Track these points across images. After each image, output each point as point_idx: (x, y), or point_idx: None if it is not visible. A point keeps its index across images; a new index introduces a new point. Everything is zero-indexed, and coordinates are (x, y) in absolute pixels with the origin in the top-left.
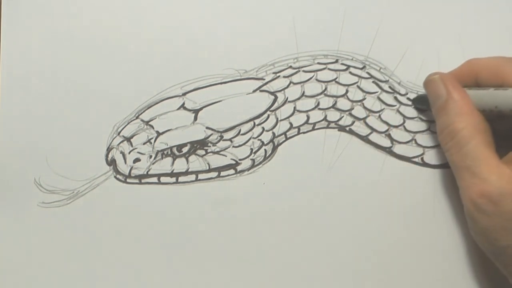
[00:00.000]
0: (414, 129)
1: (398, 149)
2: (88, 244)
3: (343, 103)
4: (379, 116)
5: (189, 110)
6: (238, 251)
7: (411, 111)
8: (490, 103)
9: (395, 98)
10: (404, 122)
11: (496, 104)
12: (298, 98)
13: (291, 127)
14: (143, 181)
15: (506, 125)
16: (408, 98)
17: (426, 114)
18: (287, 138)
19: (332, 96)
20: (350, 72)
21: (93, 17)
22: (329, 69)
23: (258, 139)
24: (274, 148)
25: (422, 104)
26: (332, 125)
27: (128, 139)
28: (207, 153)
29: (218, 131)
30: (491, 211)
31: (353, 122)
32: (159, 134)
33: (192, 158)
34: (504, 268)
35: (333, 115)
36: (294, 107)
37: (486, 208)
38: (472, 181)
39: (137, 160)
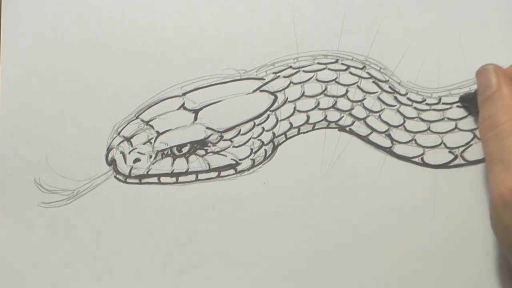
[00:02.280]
0: (414, 129)
1: (398, 149)
2: (88, 244)
3: (343, 103)
4: (379, 116)
5: (189, 110)
6: (238, 251)
7: (411, 111)
8: None
9: (395, 98)
10: (404, 122)
11: None
12: (298, 98)
13: (291, 127)
14: (143, 181)
15: None
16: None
17: (426, 114)
18: (287, 138)
19: (332, 96)
20: (350, 72)
21: (93, 17)
22: (329, 69)
23: (258, 139)
24: (274, 148)
25: (468, 102)
26: (332, 125)
27: (128, 139)
28: (207, 153)
29: (218, 131)
30: None
31: (353, 122)
32: (159, 134)
33: (192, 158)
34: None
35: (333, 115)
36: (294, 107)
37: None
38: (504, 175)
39: (137, 160)
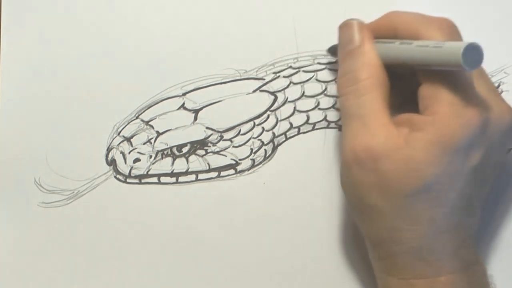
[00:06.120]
0: None
1: None
2: (88, 244)
3: None
4: None
5: (189, 110)
6: (238, 251)
7: None
8: (395, 56)
9: None
10: None
11: (401, 58)
12: (298, 98)
13: (291, 127)
14: (143, 181)
15: (405, 85)
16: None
17: None
18: (287, 138)
19: (332, 96)
20: None
21: (93, 17)
22: (329, 69)
23: (258, 139)
24: (274, 148)
25: (334, 53)
26: (332, 125)
27: (128, 139)
28: (207, 153)
29: (218, 131)
30: (368, 166)
31: None
32: (159, 134)
33: (192, 158)
34: (362, 226)
35: (333, 115)
36: (294, 107)
37: (365, 162)
38: (360, 132)
39: (137, 160)
